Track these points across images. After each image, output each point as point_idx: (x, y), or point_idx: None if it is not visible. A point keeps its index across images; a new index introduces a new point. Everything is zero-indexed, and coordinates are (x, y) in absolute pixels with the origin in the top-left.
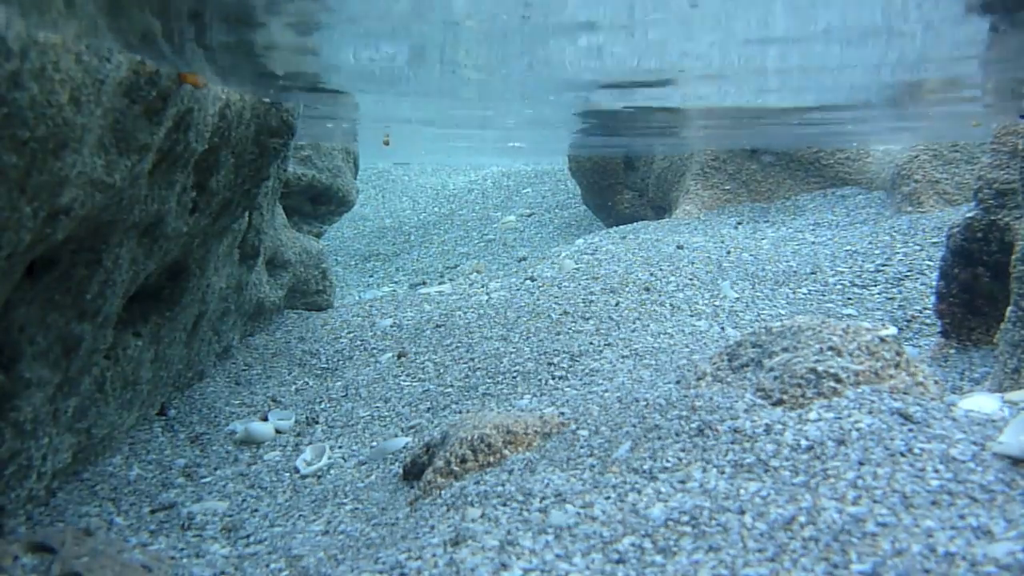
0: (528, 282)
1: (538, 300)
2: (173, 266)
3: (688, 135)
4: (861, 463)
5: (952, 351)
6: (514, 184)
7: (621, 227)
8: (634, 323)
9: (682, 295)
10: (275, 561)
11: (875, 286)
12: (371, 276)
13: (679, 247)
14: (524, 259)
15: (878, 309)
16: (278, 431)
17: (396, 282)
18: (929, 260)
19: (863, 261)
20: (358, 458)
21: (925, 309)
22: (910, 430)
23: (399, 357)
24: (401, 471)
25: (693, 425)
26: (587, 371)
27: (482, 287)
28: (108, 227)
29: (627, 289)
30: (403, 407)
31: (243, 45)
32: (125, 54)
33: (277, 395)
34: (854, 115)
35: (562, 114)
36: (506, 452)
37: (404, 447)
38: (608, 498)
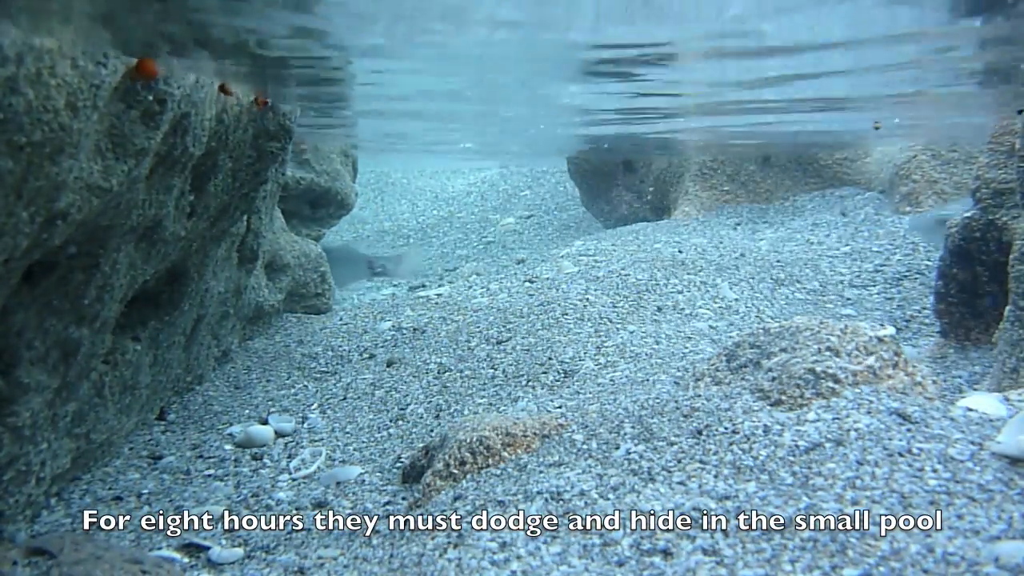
0: (527, 284)
1: (537, 302)
2: (171, 270)
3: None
4: (859, 463)
5: (951, 351)
6: (512, 186)
7: (620, 228)
8: (632, 324)
9: (681, 296)
10: (276, 565)
11: (874, 286)
12: (370, 279)
13: (678, 250)
14: (523, 261)
15: (877, 309)
16: (278, 434)
17: (396, 285)
18: (927, 260)
19: (861, 261)
20: (357, 460)
21: (924, 309)
22: (908, 430)
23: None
24: (401, 474)
25: (692, 426)
26: (585, 372)
27: (481, 289)
28: (106, 232)
29: (625, 290)
30: (403, 409)
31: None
32: (122, 58)
33: (276, 398)
34: None
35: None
36: (505, 454)
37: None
38: (607, 499)
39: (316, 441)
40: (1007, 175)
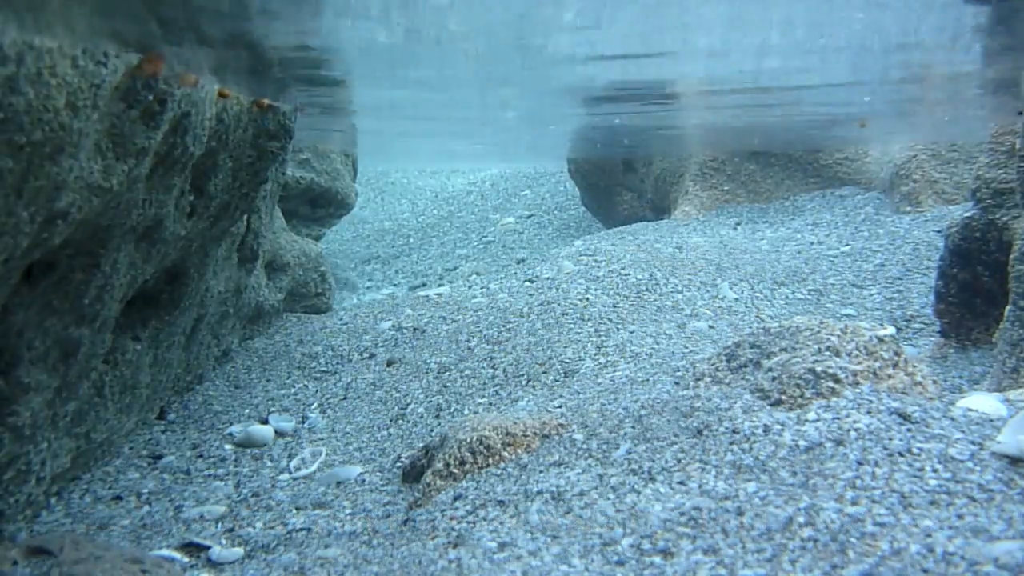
0: (527, 284)
1: (537, 302)
2: (171, 270)
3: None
4: (859, 463)
5: (951, 351)
6: (513, 186)
7: (620, 228)
8: (632, 324)
9: (681, 296)
10: (276, 565)
11: (874, 286)
12: (370, 279)
13: (678, 249)
14: (523, 261)
15: (877, 309)
16: (278, 433)
17: (396, 284)
18: (927, 260)
19: (861, 261)
20: (357, 460)
21: (924, 309)
22: (908, 430)
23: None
24: (401, 474)
25: (692, 426)
26: (585, 372)
27: (481, 289)
28: (106, 231)
29: (626, 290)
30: (403, 409)
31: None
32: (123, 57)
33: (276, 397)
34: None
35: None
36: (505, 454)
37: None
38: (607, 499)
39: (316, 441)
40: (1007, 175)
